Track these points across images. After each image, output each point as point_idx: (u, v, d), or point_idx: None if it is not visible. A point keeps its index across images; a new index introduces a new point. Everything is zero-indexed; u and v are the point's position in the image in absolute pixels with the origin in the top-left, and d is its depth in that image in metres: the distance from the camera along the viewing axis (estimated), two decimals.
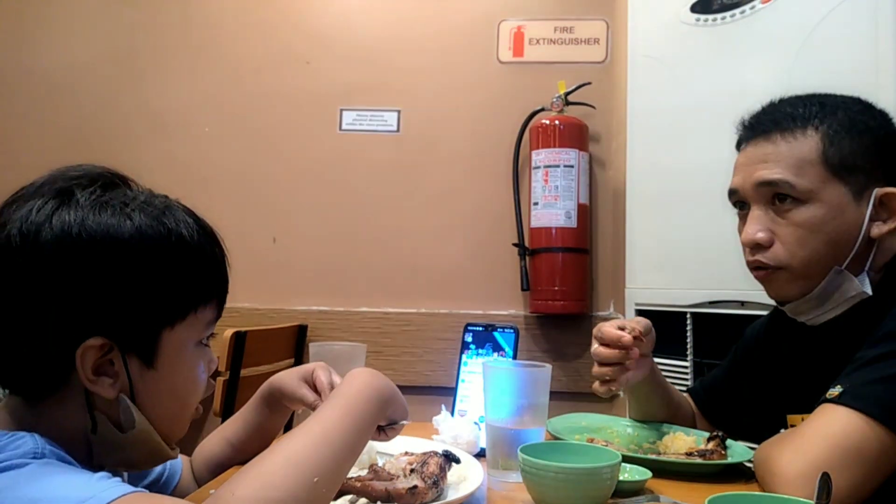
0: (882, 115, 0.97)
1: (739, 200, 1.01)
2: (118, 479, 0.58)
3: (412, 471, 0.79)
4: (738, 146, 1.03)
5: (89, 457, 0.66)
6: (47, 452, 0.59)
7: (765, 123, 0.99)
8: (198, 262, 0.68)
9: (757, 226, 0.97)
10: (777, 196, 0.95)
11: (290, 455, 0.61)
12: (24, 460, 0.56)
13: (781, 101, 1.01)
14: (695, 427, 1.19)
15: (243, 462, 0.92)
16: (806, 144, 0.94)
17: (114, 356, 0.64)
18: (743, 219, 1.01)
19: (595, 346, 1.07)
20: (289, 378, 0.93)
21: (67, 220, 0.61)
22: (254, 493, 0.56)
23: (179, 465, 0.91)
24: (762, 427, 1.19)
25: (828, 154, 0.93)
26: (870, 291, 0.94)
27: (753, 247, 0.98)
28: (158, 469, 0.87)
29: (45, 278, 0.60)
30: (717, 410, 1.21)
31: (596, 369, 1.07)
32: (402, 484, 0.76)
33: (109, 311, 0.62)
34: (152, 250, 0.64)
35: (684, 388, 1.31)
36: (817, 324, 0.99)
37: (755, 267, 0.99)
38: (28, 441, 0.59)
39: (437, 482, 0.77)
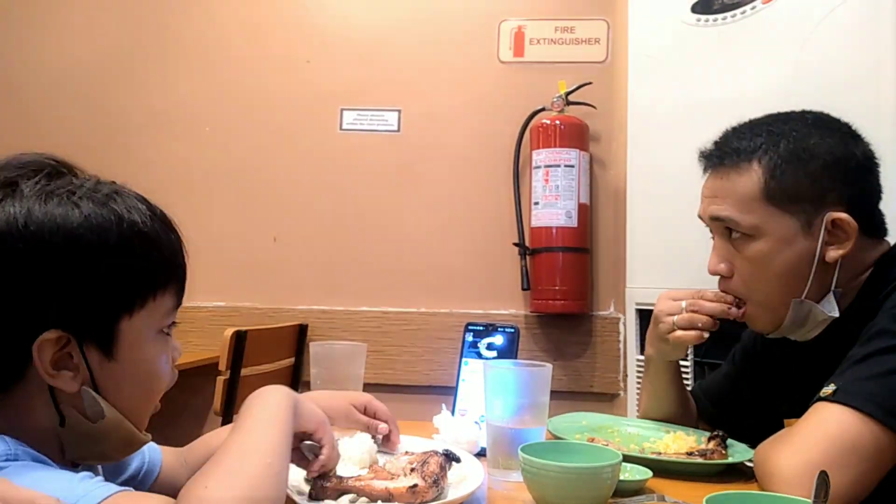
0: (839, 135, 0.97)
1: (709, 227, 1.05)
2: (100, 478, 0.58)
3: (412, 470, 0.79)
4: (703, 170, 1.06)
5: (61, 452, 0.65)
6: (20, 454, 0.58)
7: (715, 157, 1.01)
8: (151, 248, 0.66)
9: (717, 257, 1.02)
10: (728, 230, 0.99)
11: (241, 446, 0.63)
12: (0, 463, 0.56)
13: (735, 129, 1.03)
14: (697, 428, 1.19)
15: None
16: (749, 180, 0.96)
17: (72, 349, 0.62)
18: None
19: (694, 302, 1.06)
20: (336, 403, 0.92)
21: (12, 212, 0.60)
22: (224, 481, 0.58)
23: (158, 458, 0.89)
24: (762, 430, 1.20)
25: (769, 188, 0.94)
26: (836, 313, 0.95)
27: (718, 277, 1.02)
28: (136, 464, 0.85)
29: None
30: (717, 415, 1.21)
31: (694, 316, 1.05)
32: (403, 483, 0.75)
33: (63, 302, 0.61)
34: (102, 238, 0.62)
35: None
36: (804, 340, 1.02)
37: (727, 294, 1.03)
38: (0, 445, 0.58)
39: (438, 481, 0.77)
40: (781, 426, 1.07)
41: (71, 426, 0.64)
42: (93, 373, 0.64)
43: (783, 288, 0.96)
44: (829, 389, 0.84)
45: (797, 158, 0.94)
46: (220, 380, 1.75)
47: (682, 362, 1.71)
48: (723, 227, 1.00)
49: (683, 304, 1.07)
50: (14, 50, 2.54)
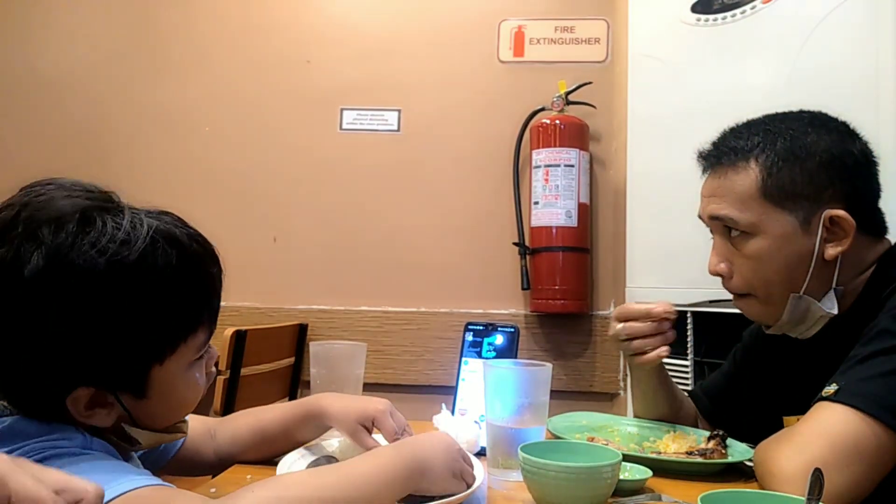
0: (836, 133, 0.97)
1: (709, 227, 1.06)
2: (145, 473, 0.60)
3: None
4: (702, 170, 1.06)
5: None
6: (96, 445, 0.61)
7: (713, 157, 1.02)
8: (181, 294, 0.65)
9: (717, 257, 1.03)
10: (727, 228, 1.00)
11: (316, 482, 0.64)
12: (76, 449, 0.60)
13: (732, 130, 1.04)
14: (695, 422, 1.19)
15: (254, 459, 0.93)
16: (746, 178, 0.97)
17: (105, 395, 0.64)
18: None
19: (619, 326, 1.07)
20: (344, 417, 0.91)
21: (37, 265, 0.57)
22: (276, 494, 0.60)
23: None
24: (762, 429, 1.19)
25: (766, 186, 0.95)
26: (835, 311, 0.96)
27: (718, 276, 1.03)
28: None
29: (19, 333, 0.59)
30: (719, 414, 1.21)
31: (634, 343, 1.06)
32: None
33: (93, 361, 0.61)
34: (129, 294, 0.60)
35: (685, 390, 1.31)
36: (804, 338, 1.02)
37: (729, 292, 1.04)
38: (77, 436, 0.61)
39: None
40: (782, 425, 1.07)
41: (111, 448, 0.66)
42: (127, 409, 0.66)
43: (782, 284, 0.97)
44: (830, 389, 0.84)
45: (794, 156, 0.95)
46: (220, 379, 1.75)
47: (682, 362, 1.72)
48: (722, 226, 1.01)
49: (618, 326, 1.08)
50: (14, 50, 2.54)
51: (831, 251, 0.94)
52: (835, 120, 1.00)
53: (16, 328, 0.59)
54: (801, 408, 0.89)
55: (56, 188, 0.63)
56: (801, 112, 1.02)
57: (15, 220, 0.59)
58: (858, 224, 0.93)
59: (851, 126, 1.00)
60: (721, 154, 1.01)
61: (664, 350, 1.06)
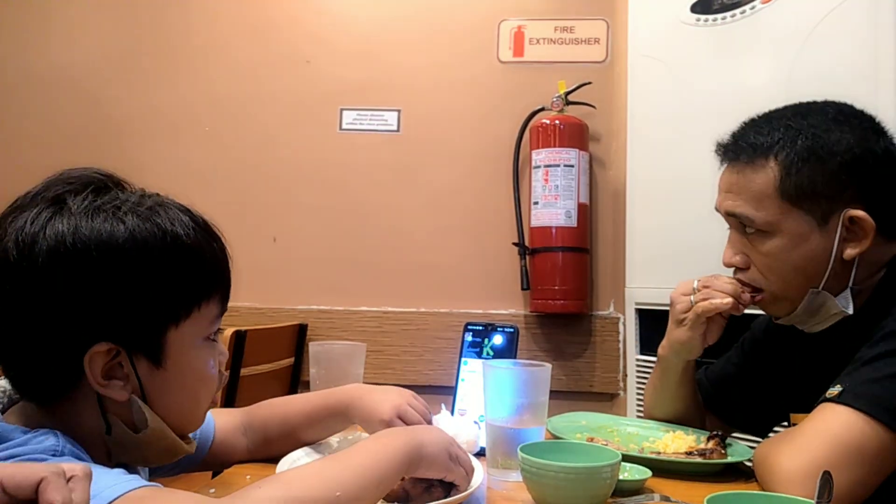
0: (860, 130, 0.94)
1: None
2: (134, 475, 0.59)
3: None
4: (720, 161, 1.04)
5: (108, 455, 0.68)
6: (66, 451, 0.60)
7: (732, 151, 1.00)
8: (195, 259, 0.68)
9: (732, 249, 1.01)
10: (744, 225, 0.98)
11: (319, 476, 0.65)
12: (44, 455, 0.58)
13: (753, 122, 1.01)
14: (703, 423, 1.19)
15: (281, 452, 0.93)
16: (764, 176, 0.95)
17: (122, 359, 0.65)
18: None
19: (707, 279, 1.04)
20: (369, 422, 0.92)
21: (60, 229, 0.62)
22: (281, 493, 0.60)
23: (211, 425, 0.91)
24: (767, 422, 1.19)
25: (784, 185, 0.93)
26: (851, 311, 0.94)
27: (735, 269, 1.01)
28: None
29: (44, 288, 0.61)
30: (723, 404, 1.20)
31: (710, 291, 1.03)
32: (419, 482, 0.76)
33: (112, 315, 0.63)
34: (147, 252, 0.64)
35: None
36: (815, 332, 1.01)
37: (742, 285, 1.02)
38: (50, 439, 0.60)
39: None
40: (785, 417, 1.07)
41: (116, 434, 0.66)
42: (142, 382, 0.66)
43: (800, 280, 0.96)
44: (835, 391, 0.84)
45: (814, 156, 0.93)
46: None
47: None
48: (738, 222, 0.99)
49: (695, 283, 1.06)
50: (15, 50, 2.54)
51: (850, 251, 0.93)
52: (860, 115, 0.97)
53: (43, 282, 0.61)
54: (808, 405, 0.89)
55: (79, 168, 0.68)
56: (826, 104, 0.99)
57: (44, 189, 0.65)
58: (878, 225, 0.92)
59: (878, 121, 0.97)
60: (740, 149, 0.98)
61: (729, 301, 1.00)
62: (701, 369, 1.25)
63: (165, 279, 0.66)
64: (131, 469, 0.70)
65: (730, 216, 1.00)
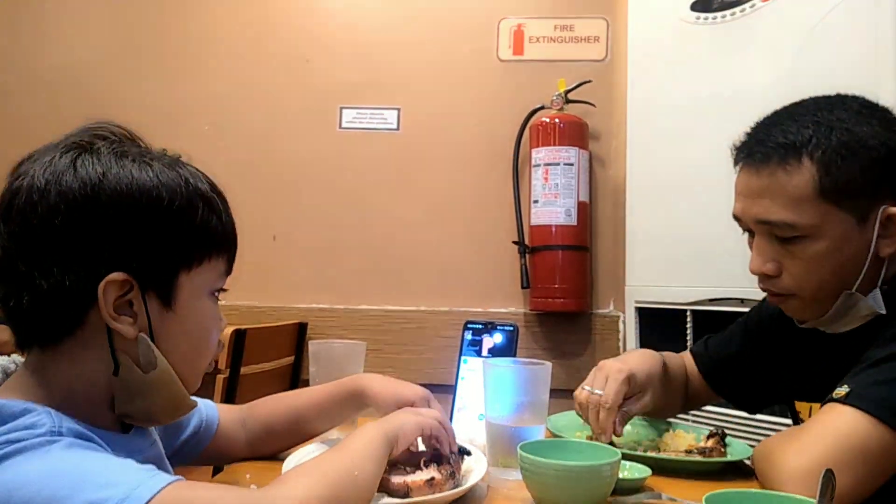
0: (885, 122, 0.91)
1: (744, 227, 0.98)
2: (152, 466, 0.59)
3: (427, 463, 0.81)
4: (735, 163, 0.98)
5: (110, 405, 0.67)
6: (65, 430, 0.59)
7: (758, 153, 0.92)
8: (212, 212, 0.72)
9: (763, 257, 0.94)
10: (772, 230, 0.92)
11: (319, 471, 0.67)
12: (45, 439, 0.57)
13: (775, 121, 0.95)
14: (686, 387, 1.18)
15: (288, 445, 0.95)
16: (801, 177, 0.88)
17: (133, 296, 0.66)
18: (749, 244, 0.98)
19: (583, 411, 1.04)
20: (384, 399, 0.94)
21: (91, 165, 0.65)
22: (311, 478, 0.64)
23: (215, 416, 0.92)
24: (763, 402, 1.18)
25: (824, 184, 0.88)
26: (883, 310, 0.91)
27: (762, 277, 0.96)
28: (195, 422, 0.89)
29: (70, 219, 0.63)
30: (723, 379, 1.19)
31: (595, 423, 1.02)
32: (420, 476, 0.78)
33: (130, 249, 0.65)
34: (171, 196, 0.67)
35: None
36: (834, 332, 0.98)
37: (768, 292, 0.97)
38: (44, 419, 0.59)
39: (454, 473, 0.80)
40: (790, 404, 1.06)
41: (124, 375, 0.66)
42: (151, 322, 0.67)
43: (836, 283, 0.92)
44: (841, 391, 0.84)
45: (850, 151, 0.88)
46: (220, 378, 1.75)
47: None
48: (768, 228, 0.93)
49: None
50: (14, 50, 2.54)
51: (887, 249, 0.90)
52: (881, 107, 0.93)
53: (68, 209, 0.63)
54: (812, 393, 0.88)
55: (101, 121, 0.74)
56: (845, 97, 0.95)
57: (66, 139, 0.68)
58: None
59: (893, 113, 0.94)
60: (769, 151, 0.91)
61: (618, 429, 1.01)
62: (702, 340, 1.23)
63: (184, 224, 0.68)
64: (141, 435, 0.72)
65: (761, 224, 0.93)
